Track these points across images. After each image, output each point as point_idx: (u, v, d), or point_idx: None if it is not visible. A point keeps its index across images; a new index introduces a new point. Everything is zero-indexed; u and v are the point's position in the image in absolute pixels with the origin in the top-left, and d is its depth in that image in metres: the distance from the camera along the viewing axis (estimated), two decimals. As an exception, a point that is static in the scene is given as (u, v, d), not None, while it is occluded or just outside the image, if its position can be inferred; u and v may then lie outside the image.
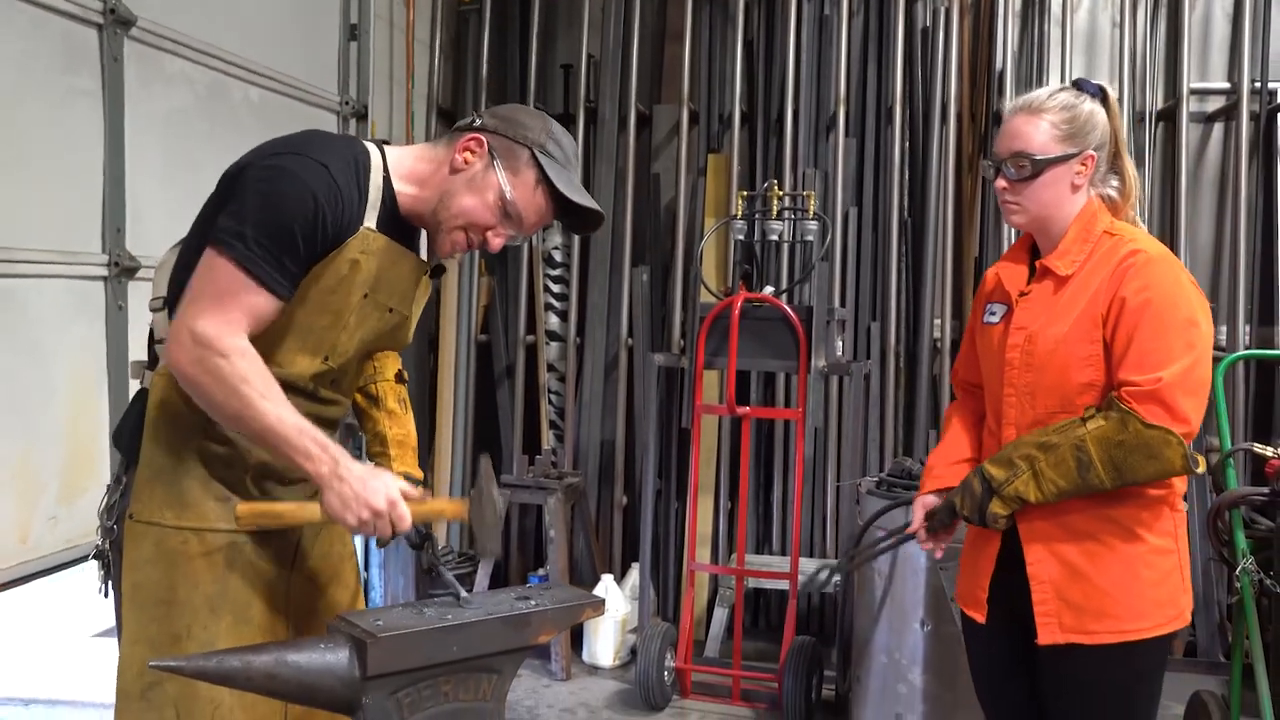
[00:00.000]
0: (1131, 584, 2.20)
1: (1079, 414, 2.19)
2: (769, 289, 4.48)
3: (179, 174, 3.60)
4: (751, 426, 4.97)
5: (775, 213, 4.53)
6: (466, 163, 2.00)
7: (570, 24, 5.61)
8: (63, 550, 3.18)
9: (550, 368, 5.51)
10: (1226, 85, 5.17)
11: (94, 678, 4.08)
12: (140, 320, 3.33)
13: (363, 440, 2.44)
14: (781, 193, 4.56)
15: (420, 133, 5.40)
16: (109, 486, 2.05)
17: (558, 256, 5.50)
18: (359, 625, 1.85)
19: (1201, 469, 2.16)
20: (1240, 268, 4.97)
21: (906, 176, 5.22)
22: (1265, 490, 3.19)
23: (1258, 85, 5.02)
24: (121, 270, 3.34)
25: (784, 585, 4.45)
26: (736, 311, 4.27)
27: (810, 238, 4.52)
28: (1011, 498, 2.17)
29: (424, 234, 2.14)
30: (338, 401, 2.11)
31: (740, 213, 4.60)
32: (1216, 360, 3.88)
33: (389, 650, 1.82)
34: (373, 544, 4.16)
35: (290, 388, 1.89)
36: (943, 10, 5.20)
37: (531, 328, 5.49)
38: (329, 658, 1.81)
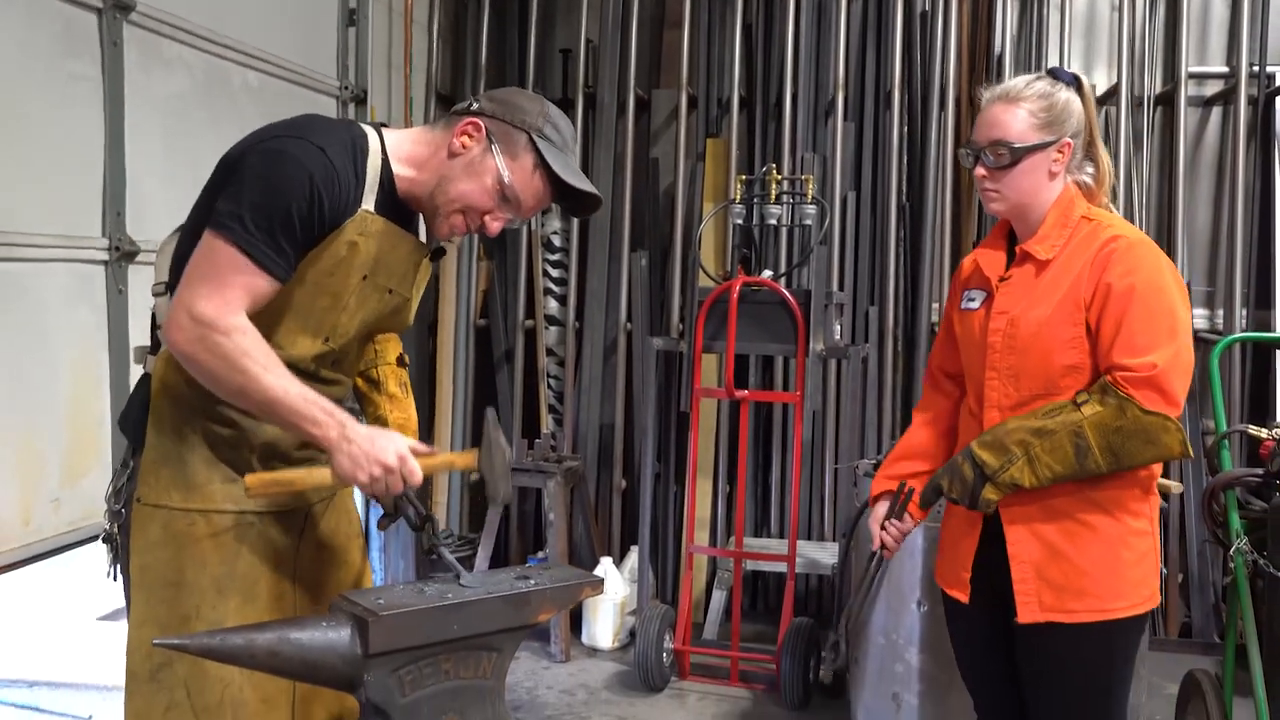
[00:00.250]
0: (1112, 564, 2.24)
1: (1063, 396, 2.22)
2: (767, 273, 4.49)
3: (179, 158, 3.61)
4: (750, 410, 4.99)
5: (774, 197, 4.54)
6: (464, 147, 2.01)
7: (569, 9, 5.61)
8: (65, 532, 3.20)
9: (549, 352, 5.53)
10: (1225, 69, 5.17)
11: (98, 660, 4.11)
12: (141, 305, 3.35)
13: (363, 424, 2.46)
14: (780, 177, 4.57)
15: (419, 117, 5.41)
16: (116, 471, 2.07)
17: (557, 241, 5.52)
18: (360, 604, 1.87)
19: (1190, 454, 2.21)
20: (1237, 252, 4.98)
21: (905, 161, 5.23)
22: (1259, 471, 3.20)
23: (1256, 69, 5.02)
24: (122, 255, 3.35)
25: (782, 568, 4.47)
26: (735, 295, 4.28)
27: (809, 222, 4.53)
28: (1006, 484, 2.19)
29: (421, 217, 2.15)
30: (339, 382, 2.12)
31: (739, 197, 4.61)
32: (1213, 343, 3.92)
33: (390, 628, 1.85)
34: (374, 527, 4.19)
35: (292, 369, 1.90)
36: (941, -6, 5.20)
37: (530, 312, 5.51)
38: (331, 636, 1.84)
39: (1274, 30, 5.06)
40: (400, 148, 2.05)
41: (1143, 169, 5.09)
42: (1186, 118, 5.04)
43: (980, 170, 2.31)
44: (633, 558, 4.96)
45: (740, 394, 4.38)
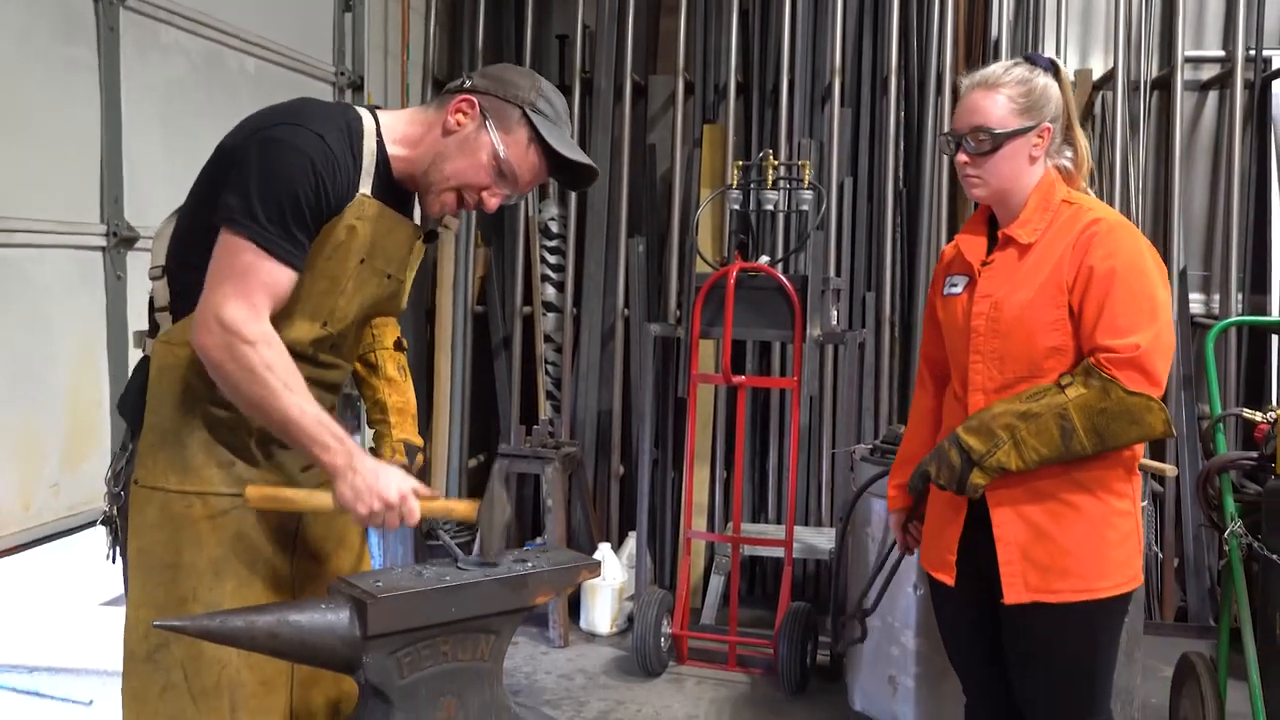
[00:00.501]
0: (1096, 544, 2.26)
1: (1047, 378, 2.24)
2: (764, 259, 4.49)
3: (176, 144, 3.61)
4: (747, 395, 4.99)
5: (770, 183, 4.54)
6: (459, 124, 2.01)
7: (565, -6, 5.61)
8: (65, 517, 3.22)
9: (547, 338, 5.54)
10: (1221, 53, 5.18)
11: (99, 645, 4.12)
12: (139, 290, 3.35)
13: (362, 408, 2.47)
14: (777, 163, 4.57)
15: (415, 103, 5.40)
16: (115, 454, 2.08)
17: (554, 228, 5.52)
18: (359, 586, 1.88)
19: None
20: (1233, 236, 4.99)
21: (901, 146, 5.23)
22: (1254, 455, 3.22)
23: (1252, 53, 5.02)
24: (120, 240, 3.36)
25: (779, 553, 4.49)
26: (732, 281, 4.29)
27: (805, 208, 4.53)
28: (993, 469, 2.22)
29: (417, 197, 2.15)
30: (338, 366, 2.13)
31: (736, 183, 4.61)
32: (1208, 327, 3.93)
33: (388, 610, 1.86)
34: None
35: (291, 352, 1.91)
36: (938, -21, 5.19)
37: (528, 299, 5.52)
38: (330, 618, 1.85)
39: (1270, 14, 5.07)
40: (395, 128, 2.05)
41: (1139, 153, 5.09)
42: (1183, 102, 5.04)
43: (962, 157, 2.33)
44: (630, 543, 4.97)
45: (737, 380, 4.38)
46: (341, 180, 1.92)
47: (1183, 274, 5.03)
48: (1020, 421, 2.19)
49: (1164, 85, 5.14)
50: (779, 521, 5.18)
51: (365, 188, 1.97)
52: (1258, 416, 3.31)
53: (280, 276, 1.88)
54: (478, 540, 4.71)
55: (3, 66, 2.98)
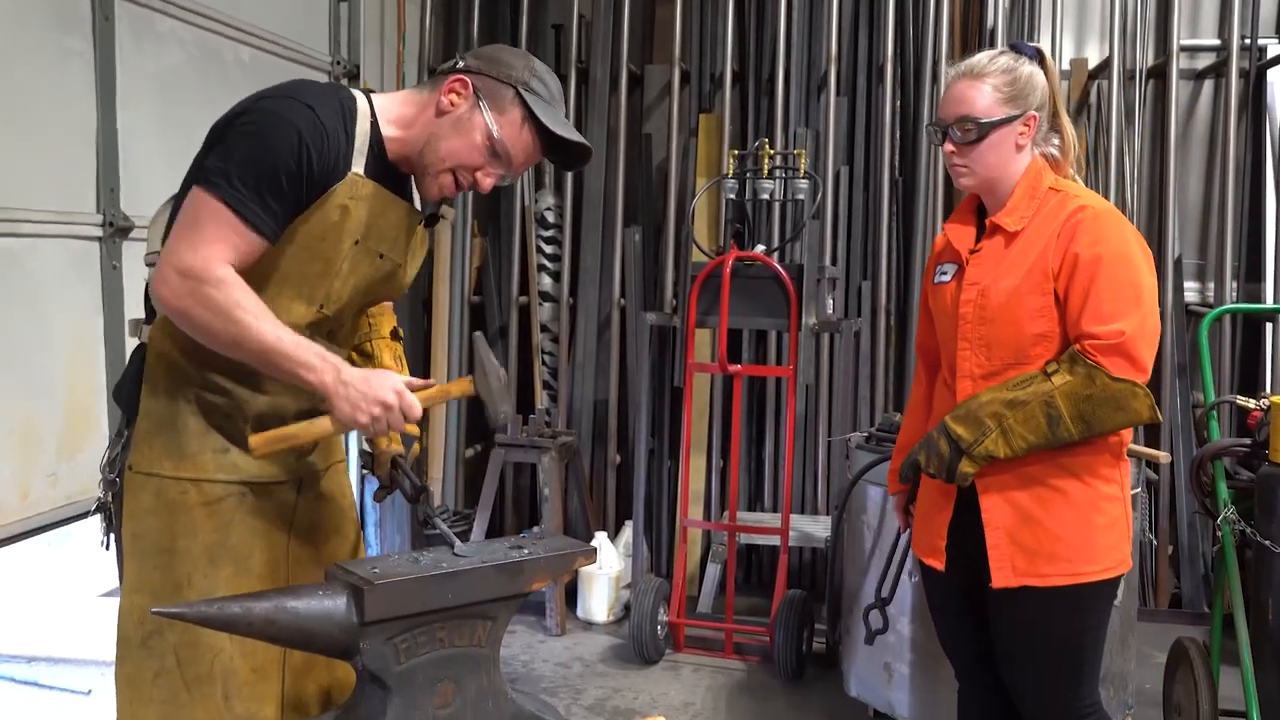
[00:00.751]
0: (1083, 528, 2.28)
1: (1034, 365, 2.26)
2: (760, 248, 4.49)
3: (172, 134, 3.61)
4: (743, 384, 5.02)
5: (766, 172, 4.54)
6: (452, 104, 2.01)
7: (561, -17, 5.60)
8: (63, 506, 3.22)
9: (543, 328, 5.54)
10: (1217, 42, 5.18)
11: (98, 635, 4.14)
12: (135, 279, 3.36)
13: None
14: (773, 152, 4.58)
15: (412, 93, 5.39)
16: (111, 440, 2.08)
17: (550, 217, 5.52)
18: (356, 573, 1.89)
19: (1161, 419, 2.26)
20: (1228, 224, 5.00)
21: (897, 136, 5.23)
22: (1247, 441, 3.23)
23: (1247, 42, 5.02)
24: (116, 230, 3.36)
25: (775, 541, 4.50)
26: (728, 270, 4.29)
27: (801, 197, 4.53)
28: (981, 457, 2.23)
29: (414, 180, 2.15)
30: (334, 352, 2.13)
31: (731, 172, 4.61)
32: (1203, 315, 3.93)
33: (386, 597, 1.86)
34: (369, 500, 4.22)
35: None
36: (934, -32, 5.19)
37: (525, 288, 5.52)
38: (327, 604, 1.85)
39: (1265, 2, 5.08)
40: (389, 110, 2.05)
41: (1134, 142, 5.09)
42: (1178, 91, 5.04)
43: (948, 146, 2.34)
44: (627, 532, 4.98)
45: (733, 369, 4.39)
46: (330, 152, 1.91)
47: (1178, 262, 5.04)
48: (1007, 410, 2.21)
49: (1159, 74, 5.15)
50: (775, 510, 5.19)
51: (358, 166, 1.97)
52: (1251, 403, 3.32)
53: (245, 237, 1.86)
54: (474, 530, 4.73)
55: (-2, 56, 2.98)
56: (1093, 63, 5.25)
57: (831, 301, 4.64)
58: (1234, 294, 5.02)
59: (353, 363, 2.30)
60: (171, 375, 1.98)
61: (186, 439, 1.98)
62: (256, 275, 1.91)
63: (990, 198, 2.39)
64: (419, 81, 5.46)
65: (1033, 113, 2.32)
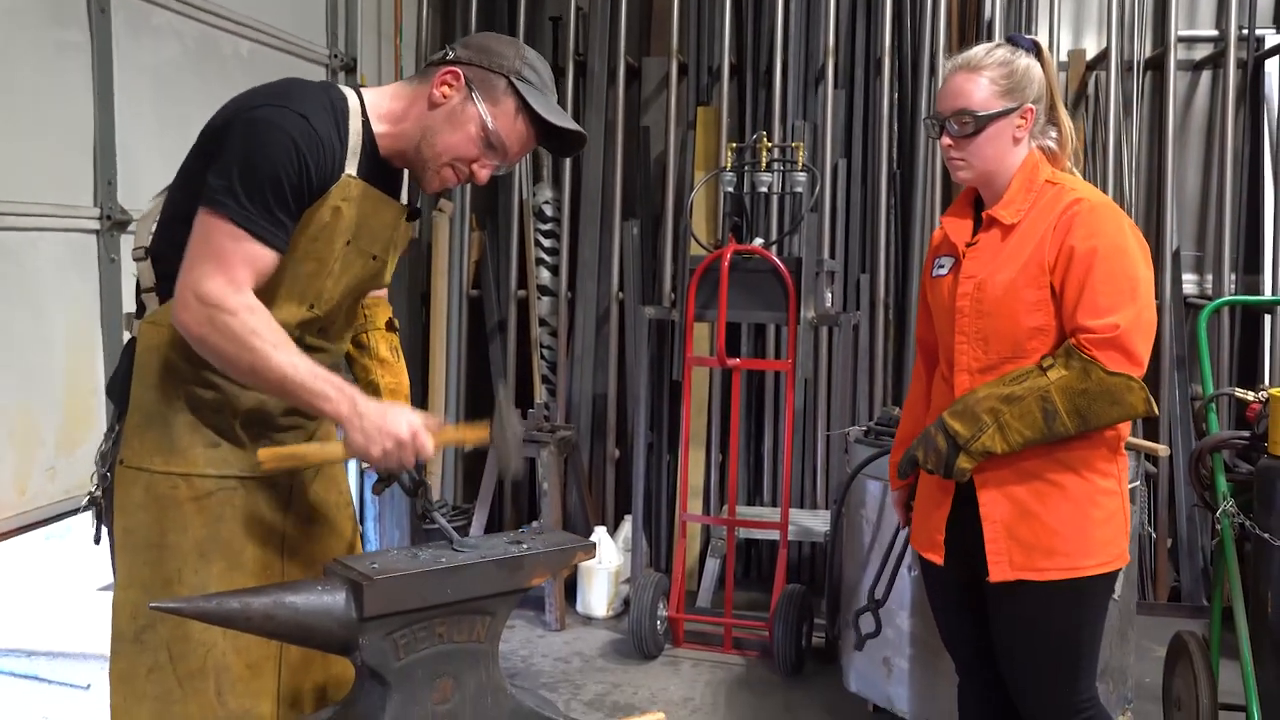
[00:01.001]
0: (1081, 522, 2.28)
1: (1030, 358, 2.26)
2: (758, 241, 4.49)
3: (169, 127, 3.60)
4: (742, 378, 5.01)
5: (764, 165, 4.53)
6: (445, 96, 1.99)
7: (559, -25, 5.58)
8: (61, 501, 3.22)
9: (542, 322, 5.53)
10: (1214, 32, 5.18)
11: (97, 630, 4.13)
12: (132, 271, 3.35)
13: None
14: (771, 145, 4.57)
15: (409, 87, 5.37)
16: (104, 435, 2.07)
17: (548, 211, 5.51)
18: (355, 568, 1.88)
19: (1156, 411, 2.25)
20: (1226, 216, 5.00)
21: (895, 128, 5.23)
22: (1246, 434, 3.23)
23: (1245, 32, 5.02)
24: (114, 224, 3.35)
25: (775, 535, 4.50)
26: (726, 264, 4.29)
27: (799, 190, 4.52)
28: (979, 452, 2.23)
29: (406, 177, 2.14)
30: (325, 349, 2.11)
31: (730, 165, 4.60)
32: (1201, 306, 3.94)
33: (385, 592, 1.85)
34: (369, 495, 4.21)
35: None
36: (932, -40, 5.18)
37: (523, 282, 5.51)
38: (326, 599, 1.85)
39: (1263, -7, 5.06)
40: (379, 105, 2.03)
41: (1132, 134, 5.09)
42: (1176, 82, 5.03)
43: (945, 140, 2.34)
44: (626, 527, 4.98)
45: (732, 362, 4.39)
46: (326, 161, 1.91)
47: (1176, 254, 5.04)
48: (1003, 405, 2.21)
49: (1157, 65, 5.14)
50: (774, 504, 5.19)
51: (351, 168, 1.96)
52: (1250, 396, 3.31)
53: (261, 255, 1.86)
54: (473, 525, 4.73)
55: (-6, 50, 2.97)
56: (1090, 54, 5.24)
57: (830, 295, 4.64)
58: (1232, 286, 5.02)
59: (348, 355, 2.30)
60: (162, 370, 1.98)
61: (177, 433, 1.97)
62: None
63: (987, 190, 2.39)
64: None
65: (1030, 105, 2.32)
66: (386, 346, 2.31)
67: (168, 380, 1.98)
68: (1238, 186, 5.06)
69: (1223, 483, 3.24)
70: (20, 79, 3.05)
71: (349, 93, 2.01)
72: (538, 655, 4.39)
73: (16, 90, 3.04)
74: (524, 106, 2.01)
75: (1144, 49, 5.16)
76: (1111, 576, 2.34)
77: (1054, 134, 2.40)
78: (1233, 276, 5.02)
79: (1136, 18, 5.13)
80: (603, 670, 4.26)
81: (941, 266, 2.44)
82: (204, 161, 1.90)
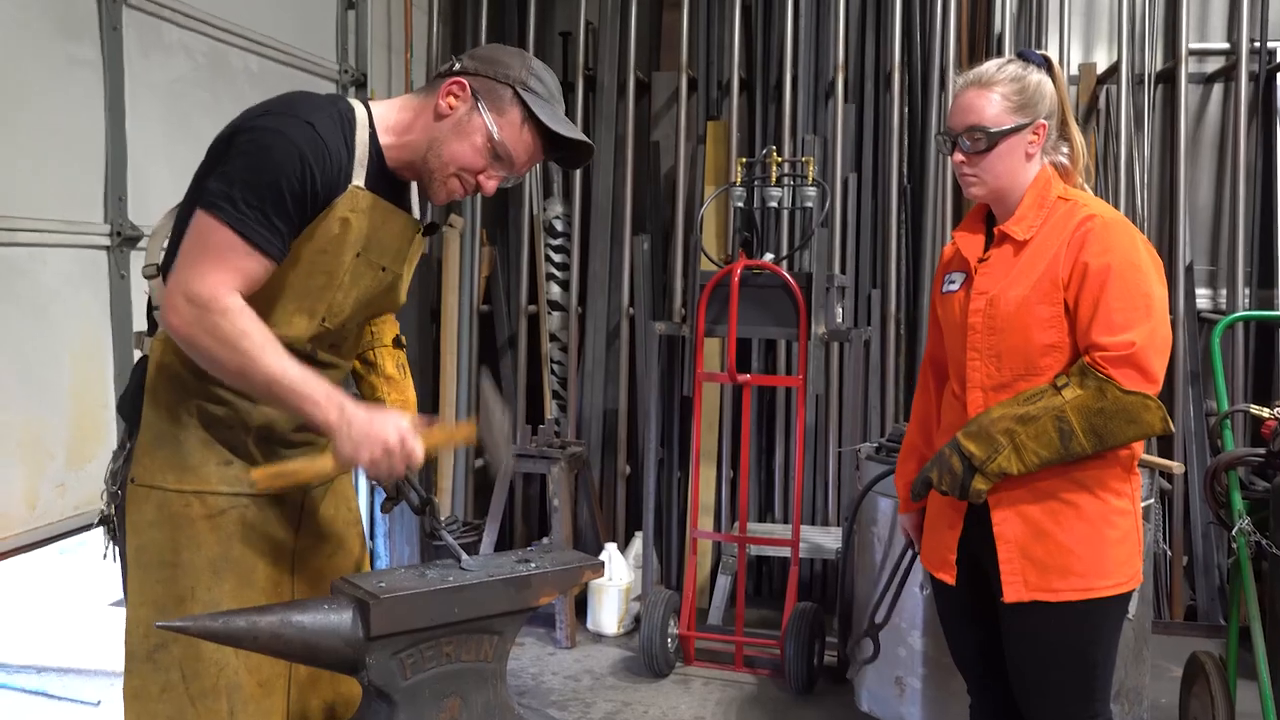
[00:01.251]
0: (1096, 542, 2.26)
1: (1044, 375, 2.24)
2: (769, 256, 4.48)
3: (180, 143, 3.61)
4: (752, 394, 4.98)
5: (774, 180, 4.53)
6: (451, 107, 1.99)
7: (568, -9, 5.59)
8: (71, 517, 3.22)
9: (552, 337, 5.53)
10: (1226, 45, 5.15)
11: (107, 646, 4.13)
12: (143, 289, 3.35)
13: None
14: (781, 159, 4.56)
15: (420, 102, 5.39)
16: (114, 453, 2.07)
17: (559, 226, 5.51)
18: (362, 587, 1.87)
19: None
20: (1240, 230, 4.96)
21: (906, 142, 5.21)
22: (1262, 451, 3.20)
23: (1257, 45, 5.00)
24: (124, 240, 3.36)
25: (786, 552, 4.48)
26: (736, 279, 4.27)
27: (809, 204, 4.52)
28: (995, 474, 2.21)
29: (415, 190, 2.14)
30: (336, 365, 2.11)
31: (739, 180, 4.60)
32: (1214, 321, 3.91)
33: (391, 611, 1.85)
34: (378, 512, 4.20)
35: (290, 350, 1.89)
36: (941, -26, 5.17)
37: (533, 297, 5.51)
38: (333, 618, 1.84)
39: (1275, 5, 5.04)
40: (386, 117, 2.03)
41: (1144, 147, 5.07)
42: (1188, 95, 5.01)
43: (958, 156, 2.33)
44: (637, 543, 4.96)
45: (742, 378, 4.37)
46: (332, 169, 1.90)
47: (1189, 269, 5.01)
48: (1019, 425, 2.19)
49: (1168, 78, 5.12)
50: (785, 521, 5.16)
51: (358, 179, 1.95)
52: (1265, 412, 3.29)
53: (253, 261, 1.85)
54: (483, 541, 4.71)
55: (6, 66, 2.98)
56: (1101, 67, 5.22)
57: (841, 310, 4.62)
58: (1247, 301, 4.98)
59: (355, 372, 2.30)
60: (173, 388, 1.97)
61: (189, 451, 1.97)
62: (259, 290, 1.90)
63: (999, 206, 2.38)
64: (427, 90, 5.45)
65: (1042, 121, 2.31)
66: (393, 363, 2.30)
67: (179, 397, 1.98)
68: (1251, 200, 5.03)
69: (1238, 500, 3.21)
70: (32, 95, 3.07)
71: (357, 105, 2.01)
72: (548, 673, 4.37)
73: (28, 106, 3.06)
74: (530, 117, 2.00)
75: (1155, 62, 5.14)
76: (1126, 597, 2.32)
77: (1065, 150, 2.39)
78: (1246, 291, 4.98)
79: (1147, 31, 5.12)
80: (613, 688, 4.23)
81: (952, 282, 2.43)
82: (210, 173, 1.90)
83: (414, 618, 1.88)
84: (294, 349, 1.94)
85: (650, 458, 4.69)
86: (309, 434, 2.07)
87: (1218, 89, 5.23)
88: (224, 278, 1.82)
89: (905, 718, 3.51)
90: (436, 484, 5.31)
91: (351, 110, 1.98)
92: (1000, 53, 5.05)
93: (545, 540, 4.93)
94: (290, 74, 4.38)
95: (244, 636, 1.79)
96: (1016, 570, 2.27)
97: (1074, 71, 5.20)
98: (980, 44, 5.22)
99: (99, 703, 3.88)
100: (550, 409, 5.46)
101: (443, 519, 4.82)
